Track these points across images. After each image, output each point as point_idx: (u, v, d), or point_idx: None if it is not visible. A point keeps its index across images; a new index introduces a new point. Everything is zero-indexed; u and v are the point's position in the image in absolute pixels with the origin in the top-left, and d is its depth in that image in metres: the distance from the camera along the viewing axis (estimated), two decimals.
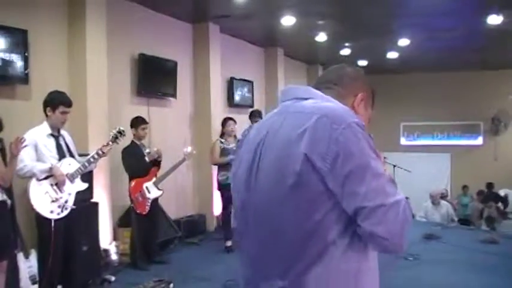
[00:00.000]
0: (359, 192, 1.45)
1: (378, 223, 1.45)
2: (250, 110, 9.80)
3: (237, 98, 10.21)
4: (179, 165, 6.99)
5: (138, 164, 6.47)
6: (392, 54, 12.46)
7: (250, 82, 10.75)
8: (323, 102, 1.68)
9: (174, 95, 8.39)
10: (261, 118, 9.78)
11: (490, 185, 14.34)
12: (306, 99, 1.72)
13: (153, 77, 7.88)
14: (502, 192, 13.51)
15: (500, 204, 13.12)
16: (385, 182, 1.49)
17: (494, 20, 8.85)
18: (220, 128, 7.91)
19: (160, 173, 6.75)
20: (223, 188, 7.47)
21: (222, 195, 7.70)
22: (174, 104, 8.55)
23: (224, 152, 7.50)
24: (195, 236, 8.27)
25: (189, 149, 7.20)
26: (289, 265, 1.53)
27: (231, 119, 7.79)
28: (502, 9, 8.50)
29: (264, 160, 1.63)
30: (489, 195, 13.50)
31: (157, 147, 6.76)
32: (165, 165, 6.86)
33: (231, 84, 10.09)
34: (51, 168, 4.59)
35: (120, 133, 5.17)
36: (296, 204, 1.51)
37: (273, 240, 1.57)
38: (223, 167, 7.47)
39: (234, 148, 7.39)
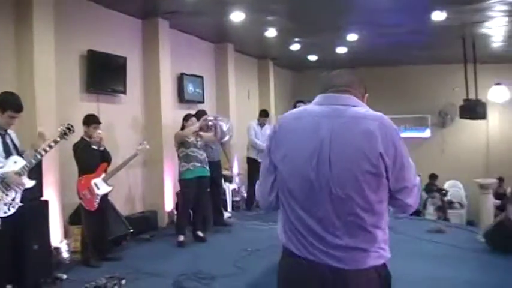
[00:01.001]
0: (404, 178, 2.25)
1: (409, 197, 2.31)
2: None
3: (187, 93, 10.18)
4: (130, 160, 6.98)
5: (89, 158, 6.42)
6: (341, 50, 12.66)
7: (201, 77, 10.74)
8: (366, 108, 2.37)
9: (123, 91, 8.34)
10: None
11: (433, 176, 14.73)
12: (356, 106, 2.33)
13: (103, 74, 7.81)
14: (446, 184, 13.96)
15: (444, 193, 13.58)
16: (413, 170, 2.32)
17: (439, 16, 9.12)
18: (169, 122, 7.92)
19: (110, 169, 6.71)
20: (184, 180, 7.54)
21: (182, 188, 7.73)
22: (124, 100, 8.50)
23: (185, 144, 7.54)
24: (146, 232, 8.25)
25: (144, 143, 7.22)
26: (356, 213, 2.21)
27: (192, 115, 7.93)
28: (445, 6, 8.75)
29: (335, 150, 2.20)
30: (432, 186, 13.92)
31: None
32: (115, 162, 6.84)
33: (181, 80, 10.06)
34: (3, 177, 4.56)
35: (69, 129, 5.14)
36: (369, 183, 2.18)
37: (347, 205, 2.20)
38: (183, 158, 7.55)
39: (195, 142, 7.61)
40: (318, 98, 2.40)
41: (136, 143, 7.57)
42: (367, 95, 2.51)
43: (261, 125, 10.72)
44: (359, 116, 2.26)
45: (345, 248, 2.21)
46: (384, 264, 2.31)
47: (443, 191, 13.86)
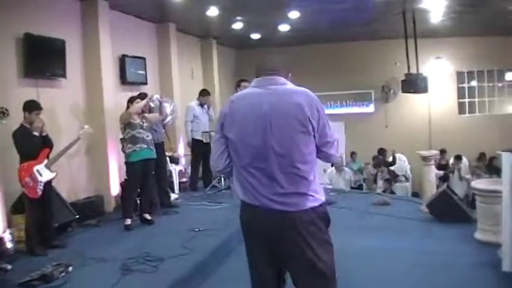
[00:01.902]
0: (326, 134, 3.04)
1: (331, 148, 3.10)
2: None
3: (129, 75, 10.02)
4: (73, 145, 6.86)
5: (30, 145, 6.27)
6: (284, 27, 12.68)
7: (143, 59, 10.59)
8: (291, 85, 3.12)
9: (63, 75, 8.13)
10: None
11: (381, 151, 15.02)
12: (284, 84, 3.10)
13: (41, 57, 7.58)
14: (391, 158, 14.25)
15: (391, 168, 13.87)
16: (331, 128, 3.07)
17: None
18: (111, 105, 7.88)
19: (52, 154, 6.58)
20: (130, 163, 7.47)
21: (128, 171, 7.65)
22: (65, 84, 8.29)
23: (131, 125, 7.45)
24: (93, 217, 8.14)
25: (86, 127, 7.10)
26: (294, 165, 2.95)
27: (136, 97, 7.85)
28: None
29: (275, 120, 2.93)
30: (379, 160, 14.19)
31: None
32: (58, 148, 6.71)
33: (123, 62, 9.90)
34: None
35: (3, 113, 5.00)
36: (302, 141, 2.94)
37: (286, 159, 2.93)
38: (129, 139, 7.44)
39: (141, 123, 7.52)
40: (254, 82, 3.16)
41: (79, 127, 7.44)
42: (290, 74, 3.20)
43: (202, 104, 10.65)
44: (289, 92, 3.05)
45: (288, 194, 2.95)
46: (320, 206, 3.02)
47: (390, 162, 14.15)
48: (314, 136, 2.97)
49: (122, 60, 9.90)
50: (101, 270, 5.57)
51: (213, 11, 10.22)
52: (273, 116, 2.93)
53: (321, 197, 3.04)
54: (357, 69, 16.19)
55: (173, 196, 9.33)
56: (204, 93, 10.78)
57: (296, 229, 2.93)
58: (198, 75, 13.92)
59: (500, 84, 16.93)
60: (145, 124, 7.58)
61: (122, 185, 8.63)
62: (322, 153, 3.08)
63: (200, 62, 14.20)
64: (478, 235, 6.62)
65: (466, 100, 17.05)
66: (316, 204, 2.98)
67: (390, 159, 14.25)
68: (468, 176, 13.67)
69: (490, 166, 14.40)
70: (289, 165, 2.93)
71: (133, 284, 5.12)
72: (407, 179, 14.73)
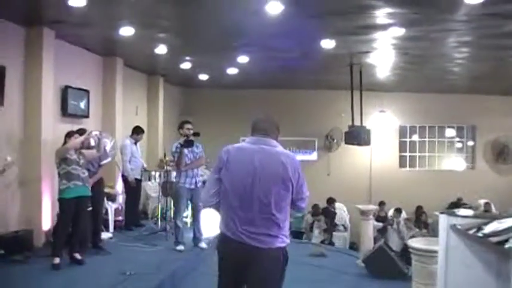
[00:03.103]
0: (302, 191, 3.83)
1: (303, 202, 3.88)
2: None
3: (71, 107, 9.71)
4: None
5: None
6: (232, 70, 12.68)
7: (87, 91, 10.32)
8: (280, 147, 3.89)
9: (1, 102, 7.84)
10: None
11: (330, 200, 14.98)
12: (275, 146, 3.86)
13: None
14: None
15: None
16: (305, 186, 3.87)
17: (328, 44, 9.37)
18: (50, 137, 7.85)
19: None
20: (63, 199, 7.16)
21: (61, 208, 7.31)
22: (1, 112, 7.98)
23: (67, 161, 7.17)
24: (20, 252, 7.72)
25: (8, 158, 6.83)
26: (272, 213, 3.70)
27: (75, 132, 7.65)
28: (334, 35, 9.00)
29: (263, 174, 3.70)
30: (317, 210, 14.23)
31: None
32: None
33: (65, 93, 9.59)
34: None
35: None
36: (282, 195, 3.71)
37: (267, 207, 3.68)
38: (64, 175, 7.17)
39: (78, 160, 7.27)
40: (249, 139, 3.93)
41: (13, 158, 7.13)
42: (279, 136, 3.98)
43: (136, 142, 10.49)
44: (276, 153, 3.82)
45: (263, 234, 3.68)
46: (285, 247, 3.80)
47: (334, 212, 14.23)
48: (292, 192, 3.74)
49: (65, 91, 9.59)
50: None
51: (161, 49, 10.10)
52: (262, 172, 3.70)
53: (288, 240, 3.84)
54: (302, 117, 16.36)
55: (107, 235, 9.03)
56: (138, 130, 10.63)
57: (264, 260, 3.69)
58: (142, 111, 13.70)
59: (440, 140, 17.42)
60: (81, 161, 7.33)
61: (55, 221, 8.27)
62: (296, 206, 3.86)
63: (146, 98, 14.00)
64: None
65: (407, 154, 17.41)
66: (283, 245, 3.78)
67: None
68: (404, 229, 13.84)
69: (419, 220, 14.72)
70: (268, 212, 3.67)
71: None
72: (346, 229, 14.80)
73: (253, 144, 3.85)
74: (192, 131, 8.38)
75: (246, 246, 3.67)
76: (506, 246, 3.85)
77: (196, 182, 8.41)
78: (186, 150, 8.28)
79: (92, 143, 7.68)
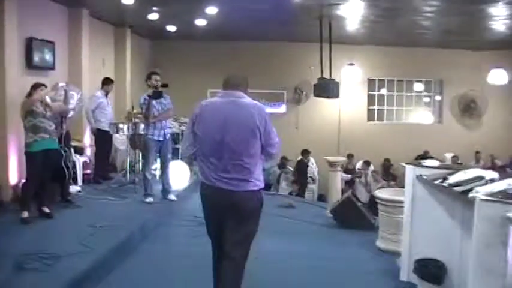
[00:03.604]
0: (270, 137, 4.07)
1: (273, 148, 4.14)
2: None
3: (36, 59, 9.47)
4: None
5: None
6: (200, 22, 12.48)
7: (52, 43, 10.09)
8: (249, 99, 4.15)
9: None
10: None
11: (304, 152, 15.11)
12: (243, 97, 4.11)
13: None
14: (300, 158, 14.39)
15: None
16: (274, 132, 4.12)
17: None
18: (14, 90, 7.75)
19: None
20: (31, 153, 7.06)
21: (28, 161, 7.22)
22: None
23: (33, 113, 7.04)
24: None
25: None
26: (242, 159, 4.00)
27: (41, 84, 7.35)
28: None
29: (232, 124, 3.98)
30: (283, 161, 14.38)
31: None
32: None
33: (29, 45, 9.35)
34: None
35: None
36: (250, 142, 3.98)
37: (236, 154, 3.98)
38: (30, 128, 7.05)
39: (44, 112, 7.13)
40: (221, 93, 4.20)
41: None
42: (248, 89, 4.25)
43: (107, 94, 10.43)
44: (245, 104, 4.08)
45: (235, 179, 4.01)
46: (258, 190, 4.12)
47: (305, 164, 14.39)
48: (260, 138, 4.02)
49: (29, 42, 9.35)
50: None
51: (128, 0, 9.89)
52: (232, 122, 4.00)
53: (261, 185, 4.16)
54: (272, 70, 16.30)
55: (76, 188, 8.99)
56: (108, 81, 10.56)
57: (238, 202, 4.02)
58: (109, 64, 13.46)
59: (408, 94, 17.56)
60: (48, 113, 7.22)
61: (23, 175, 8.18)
62: (266, 151, 4.12)
63: (113, 50, 13.74)
64: (379, 243, 6.76)
65: (375, 107, 17.55)
66: (255, 188, 4.09)
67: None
68: (372, 181, 14.08)
69: (387, 172, 14.97)
70: (238, 159, 3.99)
71: (25, 284, 4.85)
72: (314, 181, 14.98)
73: (224, 97, 4.16)
74: (160, 82, 8.33)
75: (222, 190, 4.03)
76: (470, 195, 3.95)
77: (164, 134, 8.39)
78: (154, 102, 8.23)
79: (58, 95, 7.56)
